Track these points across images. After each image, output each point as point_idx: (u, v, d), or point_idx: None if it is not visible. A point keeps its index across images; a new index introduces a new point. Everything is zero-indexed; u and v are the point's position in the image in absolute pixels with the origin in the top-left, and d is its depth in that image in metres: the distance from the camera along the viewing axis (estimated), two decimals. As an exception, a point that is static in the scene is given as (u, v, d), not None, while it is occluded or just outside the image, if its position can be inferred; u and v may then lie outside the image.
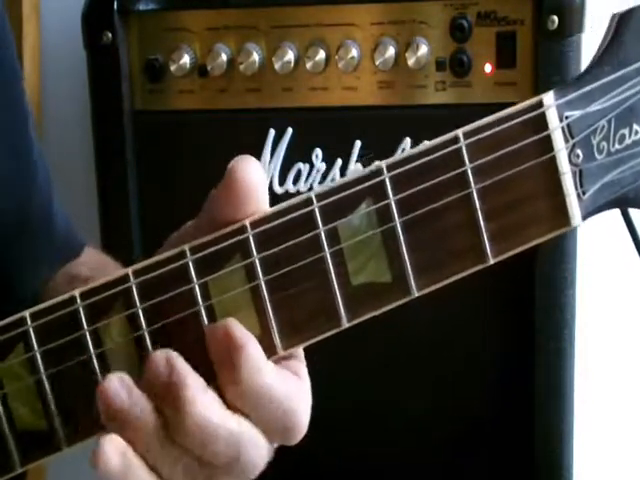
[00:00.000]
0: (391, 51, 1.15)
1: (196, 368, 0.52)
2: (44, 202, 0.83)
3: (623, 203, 0.52)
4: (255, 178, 0.52)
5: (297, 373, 0.55)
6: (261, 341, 0.53)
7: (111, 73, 1.18)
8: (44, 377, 0.54)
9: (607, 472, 1.44)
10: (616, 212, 1.14)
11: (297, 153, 1.19)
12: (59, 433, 0.54)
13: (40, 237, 0.82)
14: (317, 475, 1.27)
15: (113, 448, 0.51)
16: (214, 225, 0.53)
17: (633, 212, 1.16)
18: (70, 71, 1.22)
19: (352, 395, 1.22)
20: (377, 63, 1.15)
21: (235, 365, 0.51)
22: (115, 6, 1.17)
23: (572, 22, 1.11)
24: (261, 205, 0.53)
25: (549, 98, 0.51)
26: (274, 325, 0.53)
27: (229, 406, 0.53)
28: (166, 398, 0.51)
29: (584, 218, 0.52)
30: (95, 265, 0.84)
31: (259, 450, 0.53)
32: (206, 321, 0.53)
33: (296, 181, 1.19)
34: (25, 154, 0.80)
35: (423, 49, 1.14)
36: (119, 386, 0.52)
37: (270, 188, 1.20)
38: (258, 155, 1.20)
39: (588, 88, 0.51)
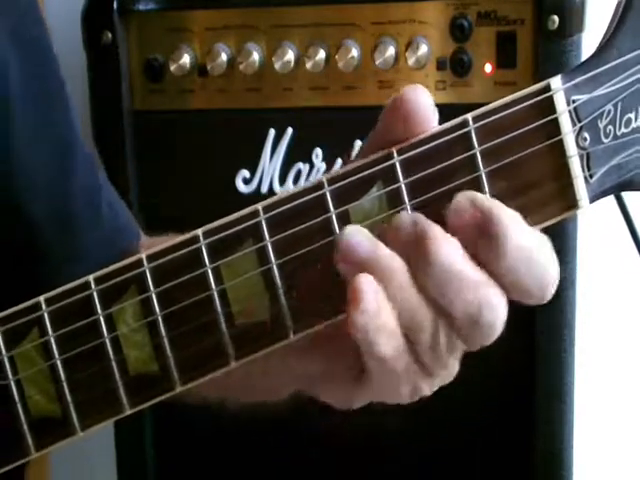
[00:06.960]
0: (391, 51, 1.15)
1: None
2: (87, 197, 0.81)
3: (630, 186, 0.52)
4: (424, 99, 0.54)
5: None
6: (272, 325, 0.53)
7: (111, 73, 1.19)
8: (58, 362, 0.54)
9: (607, 472, 1.44)
10: (616, 212, 1.15)
11: (297, 153, 1.19)
12: (73, 418, 0.54)
13: (85, 232, 0.80)
14: None
15: (371, 285, 0.50)
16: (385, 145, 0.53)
17: (633, 212, 1.16)
18: (70, 71, 1.22)
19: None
20: (377, 63, 1.15)
21: (494, 234, 0.50)
22: (115, 6, 1.17)
23: (572, 22, 1.12)
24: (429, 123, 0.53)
25: (556, 82, 0.52)
26: (286, 309, 0.53)
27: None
28: (411, 247, 0.51)
29: (591, 201, 0.52)
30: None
31: (500, 311, 0.53)
32: (219, 305, 0.53)
33: (296, 181, 1.19)
34: (67, 149, 0.79)
35: (423, 49, 1.14)
36: (360, 236, 0.52)
37: (270, 188, 1.20)
38: (258, 155, 1.20)
39: (594, 72, 0.52)
